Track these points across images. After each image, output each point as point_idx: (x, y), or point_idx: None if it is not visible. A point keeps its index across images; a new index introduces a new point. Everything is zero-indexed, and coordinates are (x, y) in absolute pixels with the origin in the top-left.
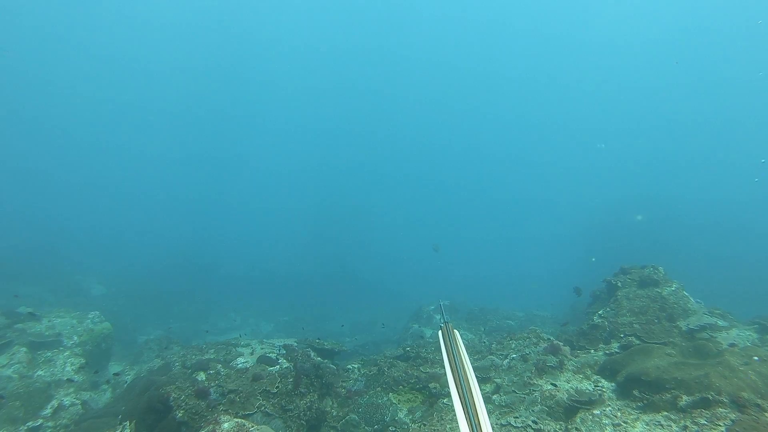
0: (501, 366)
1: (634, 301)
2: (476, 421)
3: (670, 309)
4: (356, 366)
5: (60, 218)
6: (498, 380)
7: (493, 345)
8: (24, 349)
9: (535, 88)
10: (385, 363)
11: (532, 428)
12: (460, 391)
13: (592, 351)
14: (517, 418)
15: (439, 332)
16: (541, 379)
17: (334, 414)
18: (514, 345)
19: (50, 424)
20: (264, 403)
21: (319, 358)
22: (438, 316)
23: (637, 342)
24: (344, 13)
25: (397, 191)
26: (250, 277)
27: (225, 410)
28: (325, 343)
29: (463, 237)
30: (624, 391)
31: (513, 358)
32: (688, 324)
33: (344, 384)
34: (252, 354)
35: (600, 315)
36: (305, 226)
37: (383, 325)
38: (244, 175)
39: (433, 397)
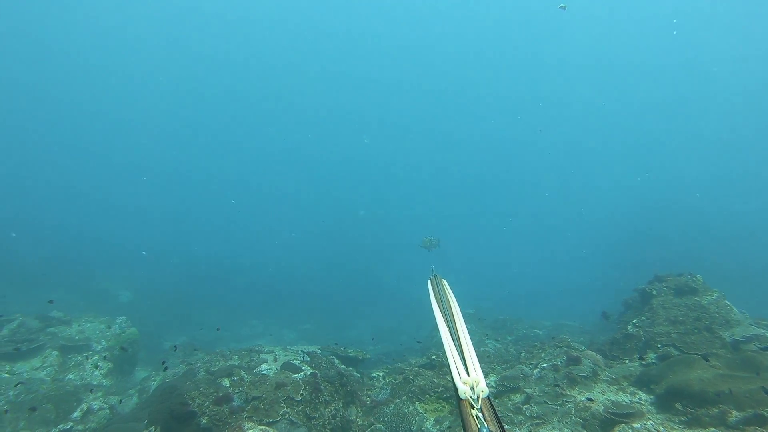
0: (531, 376)
1: (670, 310)
2: (465, 362)
3: (711, 319)
4: (381, 374)
5: (89, 227)
6: (528, 390)
7: (522, 354)
8: (56, 352)
9: (556, 92)
10: (411, 371)
11: None
12: (450, 332)
13: (627, 361)
14: (550, 430)
15: (428, 282)
16: (574, 389)
17: (359, 423)
18: (544, 354)
19: (80, 427)
20: (288, 410)
21: (343, 366)
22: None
23: (676, 353)
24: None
25: (419, 195)
26: (271, 285)
27: (249, 417)
28: (349, 351)
29: (485, 244)
30: (665, 404)
31: (543, 367)
32: (732, 335)
33: (369, 392)
34: (275, 361)
35: (634, 324)
36: (325, 232)
37: (419, 341)
38: (264, 181)
39: None
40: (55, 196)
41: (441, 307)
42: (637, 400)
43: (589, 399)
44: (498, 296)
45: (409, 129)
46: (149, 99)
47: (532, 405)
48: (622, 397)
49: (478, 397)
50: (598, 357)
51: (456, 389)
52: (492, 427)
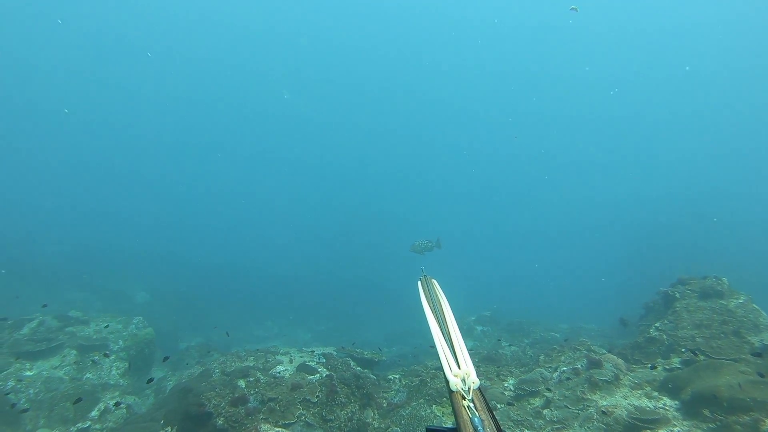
0: (550, 379)
1: (695, 314)
2: (456, 356)
3: (738, 323)
4: (397, 376)
5: (106, 229)
6: (548, 394)
7: (541, 357)
8: (74, 351)
9: (570, 84)
10: (428, 374)
11: None
12: (440, 328)
13: (650, 365)
14: None
15: (418, 282)
16: (596, 394)
17: (375, 426)
18: (563, 358)
19: (98, 426)
20: (304, 412)
21: (358, 368)
22: (479, 327)
23: (702, 357)
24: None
25: (432, 195)
26: (285, 286)
27: (265, 419)
28: (365, 353)
29: (497, 246)
30: (691, 410)
31: (563, 371)
32: (762, 340)
33: (385, 395)
34: (291, 362)
35: (657, 328)
36: (338, 234)
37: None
38: (278, 183)
39: None
40: (73, 199)
41: (431, 305)
42: (661, 405)
43: (603, 413)
44: (513, 299)
45: (419, 132)
46: (162, 105)
47: (553, 409)
48: (646, 403)
49: (469, 388)
50: (620, 361)
51: (447, 381)
52: (483, 416)
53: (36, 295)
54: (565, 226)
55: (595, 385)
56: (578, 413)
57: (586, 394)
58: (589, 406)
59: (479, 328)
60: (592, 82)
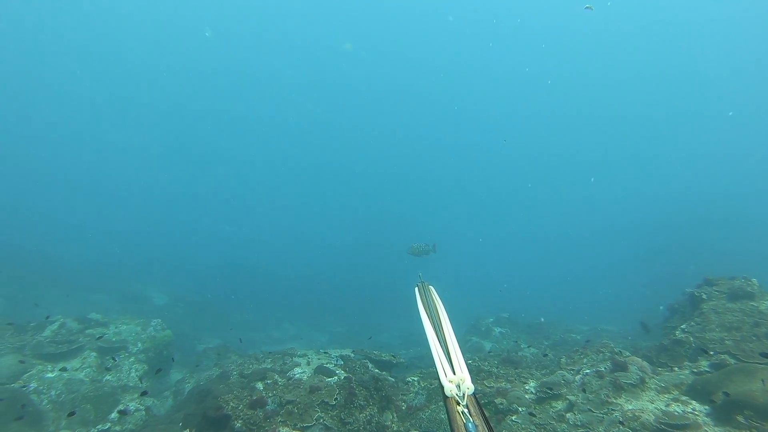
0: (573, 382)
1: (724, 316)
2: (451, 361)
3: None
4: (415, 379)
5: (126, 232)
6: (571, 397)
7: (562, 360)
8: (94, 353)
9: (586, 83)
10: None
11: None
12: (436, 334)
13: (677, 369)
14: None
15: (415, 288)
16: (621, 397)
17: (394, 429)
18: (586, 360)
19: (117, 428)
20: (322, 415)
21: (376, 370)
22: (497, 329)
23: (732, 361)
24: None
25: (448, 197)
26: (302, 288)
27: (283, 422)
28: (383, 355)
29: (514, 248)
30: (723, 416)
31: (586, 374)
32: None
33: (404, 397)
34: (309, 364)
35: (683, 330)
36: (353, 236)
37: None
38: (295, 187)
39: (499, 413)
40: (93, 204)
41: (428, 311)
42: (690, 410)
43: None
44: (530, 301)
45: (434, 136)
46: (177, 111)
47: (576, 413)
48: (674, 407)
49: (463, 394)
50: (645, 364)
51: (442, 387)
52: (477, 422)
53: (57, 298)
54: (583, 228)
55: (620, 389)
56: (603, 417)
57: (610, 398)
58: (614, 410)
59: (497, 329)
60: (607, 82)
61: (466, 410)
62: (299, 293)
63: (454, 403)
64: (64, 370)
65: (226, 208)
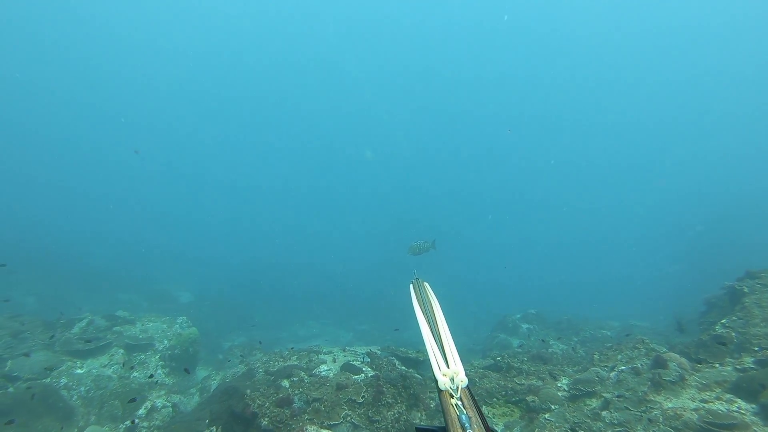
0: (608, 379)
1: None
2: (446, 356)
3: None
4: None
5: (152, 231)
6: (606, 395)
7: (595, 356)
8: (121, 350)
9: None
10: (476, 373)
11: None
12: (430, 328)
13: (718, 365)
14: None
15: (410, 285)
16: (659, 395)
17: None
18: (620, 356)
19: (145, 424)
20: (350, 413)
21: (403, 367)
22: (525, 325)
23: None
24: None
25: (476, 197)
26: (326, 286)
27: (310, 420)
28: (409, 352)
29: (541, 242)
30: None
31: (622, 370)
32: None
33: (432, 395)
34: (335, 361)
35: (724, 325)
36: (375, 231)
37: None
38: (320, 185)
39: (532, 411)
40: (121, 203)
41: (422, 307)
42: (735, 409)
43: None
44: (558, 297)
45: (459, 137)
46: (212, 108)
47: (612, 411)
48: (718, 406)
49: (457, 387)
50: (683, 360)
51: (436, 381)
52: (470, 413)
53: (85, 295)
54: (611, 225)
55: (658, 386)
56: (641, 415)
57: (648, 396)
58: (653, 408)
59: (525, 326)
60: (648, 78)
61: (459, 402)
62: (322, 291)
63: (448, 396)
64: (95, 366)
65: (251, 207)
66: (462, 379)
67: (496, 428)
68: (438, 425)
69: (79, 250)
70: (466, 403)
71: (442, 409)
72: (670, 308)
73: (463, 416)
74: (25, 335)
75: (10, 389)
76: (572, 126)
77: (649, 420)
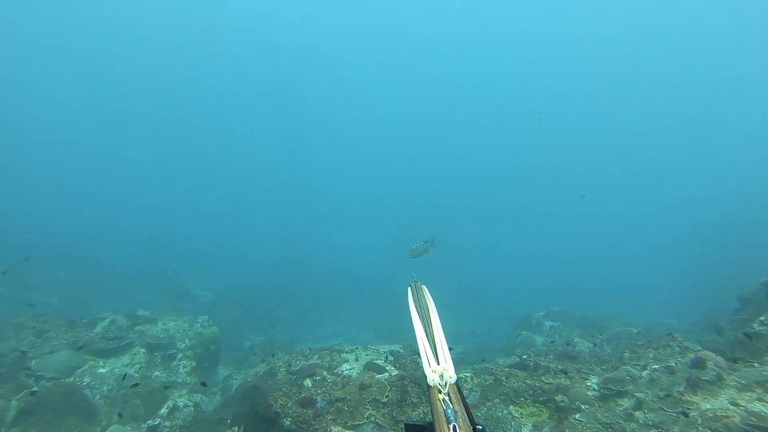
0: (640, 378)
1: None
2: (437, 354)
3: None
4: (468, 375)
5: (172, 230)
6: (639, 395)
7: (626, 354)
8: (143, 350)
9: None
10: (501, 372)
11: None
12: (424, 328)
13: (757, 364)
14: None
15: (408, 288)
16: (696, 395)
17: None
18: (652, 355)
19: (167, 423)
20: (374, 413)
21: None
22: (548, 323)
23: None
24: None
25: (500, 186)
26: (344, 285)
27: (333, 420)
28: None
29: (561, 239)
30: None
31: (655, 369)
32: None
33: None
34: (357, 360)
35: (762, 322)
36: (391, 228)
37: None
38: (340, 185)
39: (561, 411)
40: (141, 201)
41: (418, 308)
42: None
43: (683, 413)
44: (581, 294)
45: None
46: (235, 100)
47: (646, 412)
48: (759, 407)
49: (446, 383)
50: (719, 359)
51: (425, 377)
52: (457, 408)
53: (106, 294)
54: (635, 223)
55: (695, 386)
56: (677, 417)
57: (684, 396)
58: (690, 409)
59: (548, 323)
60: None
61: (447, 398)
62: (342, 289)
63: (436, 392)
64: (117, 366)
65: (271, 204)
66: (451, 375)
67: (481, 425)
68: (428, 422)
69: (99, 250)
70: (453, 398)
71: (431, 404)
72: (695, 306)
73: (449, 411)
74: (49, 334)
75: (35, 388)
76: (588, 128)
77: (687, 421)
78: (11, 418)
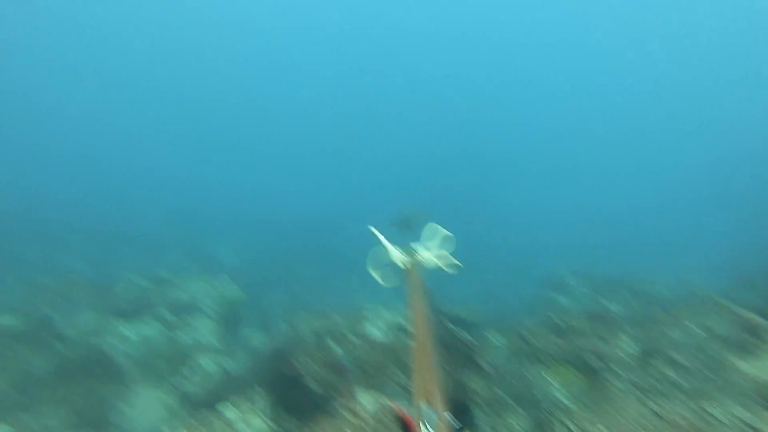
0: (674, 338)
1: None
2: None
3: None
4: (495, 336)
5: (200, 199)
6: (677, 357)
7: (659, 314)
8: (167, 311)
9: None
10: (529, 332)
11: (748, 424)
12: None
13: None
14: (714, 407)
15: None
16: (741, 360)
17: (477, 390)
18: (687, 314)
19: (192, 384)
20: (398, 373)
21: (452, 326)
22: (573, 281)
23: None
24: None
25: (533, 143)
26: (369, 243)
27: (357, 381)
28: (458, 310)
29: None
30: None
31: (692, 330)
32: None
33: (484, 356)
34: (381, 320)
35: None
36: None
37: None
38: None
39: (592, 372)
40: (167, 164)
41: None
42: None
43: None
44: (605, 251)
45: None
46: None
47: (685, 375)
48: None
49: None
50: (761, 320)
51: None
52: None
53: (131, 257)
54: (660, 168)
55: (740, 349)
56: (716, 380)
57: (726, 358)
58: (734, 374)
59: (572, 281)
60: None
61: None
62: (366, 247)
63: (409, 268)
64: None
65: (297, 163)
66: (423, 258)
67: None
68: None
69: (124, 213)
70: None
71: (407, 281)
72: (733, 267)
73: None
74: (73, 296)
75: (60, 348)
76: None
77: (728, 385)
78: (39, 382)
